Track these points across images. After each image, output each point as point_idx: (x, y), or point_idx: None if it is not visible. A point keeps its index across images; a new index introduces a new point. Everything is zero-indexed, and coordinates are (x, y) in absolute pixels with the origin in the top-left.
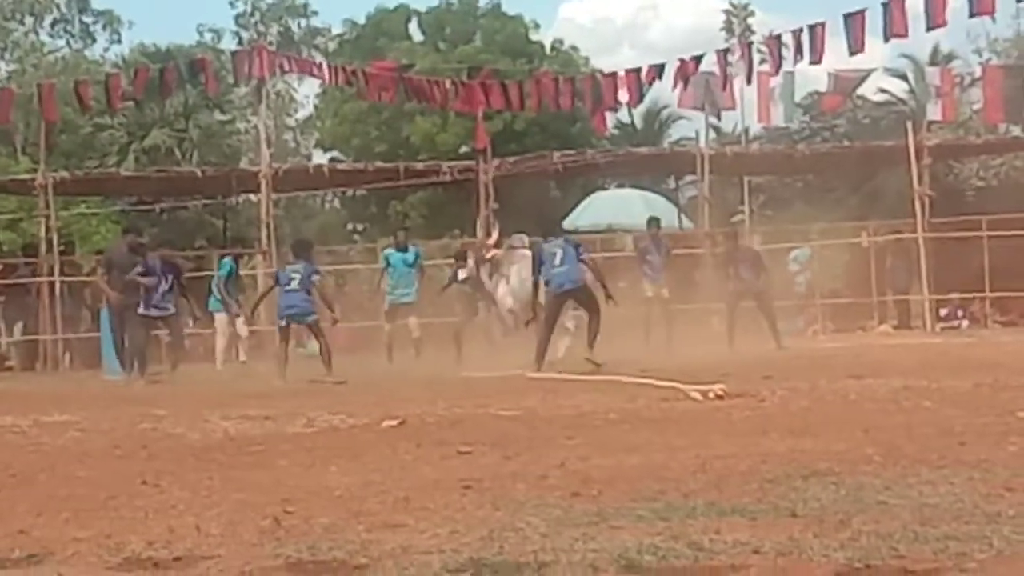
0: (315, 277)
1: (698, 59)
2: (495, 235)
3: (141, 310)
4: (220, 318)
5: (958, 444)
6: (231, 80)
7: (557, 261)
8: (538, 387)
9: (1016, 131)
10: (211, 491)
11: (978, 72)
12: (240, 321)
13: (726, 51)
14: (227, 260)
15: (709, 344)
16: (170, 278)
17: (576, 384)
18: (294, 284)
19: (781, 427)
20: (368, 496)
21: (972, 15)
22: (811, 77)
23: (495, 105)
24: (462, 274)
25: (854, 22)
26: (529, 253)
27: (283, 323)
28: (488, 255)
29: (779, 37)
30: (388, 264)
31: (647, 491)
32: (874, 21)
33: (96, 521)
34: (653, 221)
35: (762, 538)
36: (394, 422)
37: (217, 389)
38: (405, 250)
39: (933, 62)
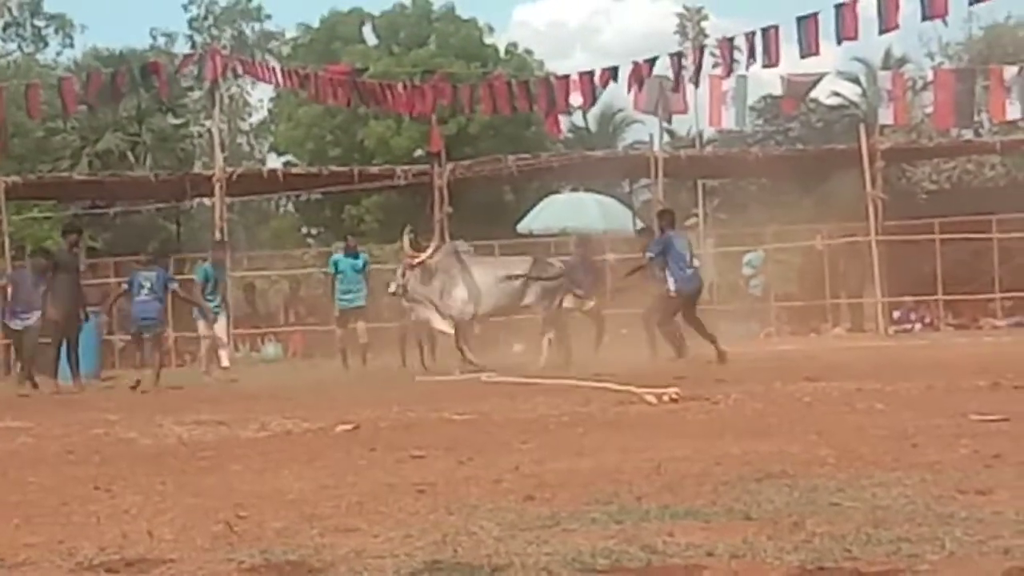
0: (172, 285)
1: (652, 62)
2: (431, 249)
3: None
4: (201, 325)
5: (911, 446)
6: (184, 84)
7: (688, 258)
8: (493, 391)
9: (968, 135)
10: (164, 496)
11: (930, 76)
12: (218, 326)
13: (679, 54)
14: (205, 266)
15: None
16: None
17: (530, 388)
18: (145, 292)
19: (735, 430)
20: (321, 500)
21: (925, 19)
22: (764, 81)
23: (449, 108)
24: (391, 287)
25: (807, 25)
26: (480, 259)
27: (135, 331)
28: (415, 262)
29: (732, 40)
30: (337, 270)
31: (601, 494)
32: (826, 24)
33: (48, 527)
34: (646, 231)
35: (716, 541)
36: (348, 426)
37: (170, 394)
38: (355, 256)
39: (885, 66)
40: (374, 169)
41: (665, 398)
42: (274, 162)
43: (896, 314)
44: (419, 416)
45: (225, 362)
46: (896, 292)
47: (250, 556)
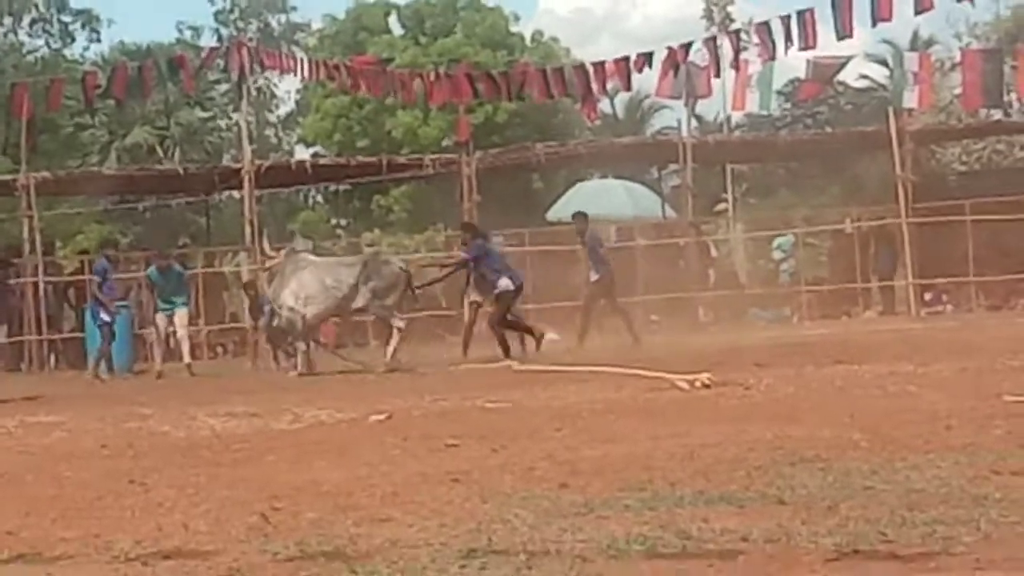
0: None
1: (686, 47)
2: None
3: None
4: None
5: (944, 428)
6: (212, 77)
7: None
8: (525, 379)
9: (997, 115)
10: (198, 489)
11: (958, 57)
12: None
13: (714, 39)
14: (151, 270)
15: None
16: None
17: (562, 376)
18: None
19: (768, 414)
20: (356, 491)
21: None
22: (791, 64)
23: (486, 95)
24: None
25: (842, 7)
26: (314, 261)
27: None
28: (268, 265)
29: (767, 24)
30: None
31: (634, 481)
32: (859, 5)
33: (84, 521)
34: (580, 216)
35: (750, 526)
36: (381, 416)
37: (203, 386)
38: None
39: (913, 47)
40: (402, 159)
41: (697, 384)
42: (302, 154)
43: (928, 296)
44: (452, 405)
45: (159, 365)
46: (927, 274)
47: (285, 547)
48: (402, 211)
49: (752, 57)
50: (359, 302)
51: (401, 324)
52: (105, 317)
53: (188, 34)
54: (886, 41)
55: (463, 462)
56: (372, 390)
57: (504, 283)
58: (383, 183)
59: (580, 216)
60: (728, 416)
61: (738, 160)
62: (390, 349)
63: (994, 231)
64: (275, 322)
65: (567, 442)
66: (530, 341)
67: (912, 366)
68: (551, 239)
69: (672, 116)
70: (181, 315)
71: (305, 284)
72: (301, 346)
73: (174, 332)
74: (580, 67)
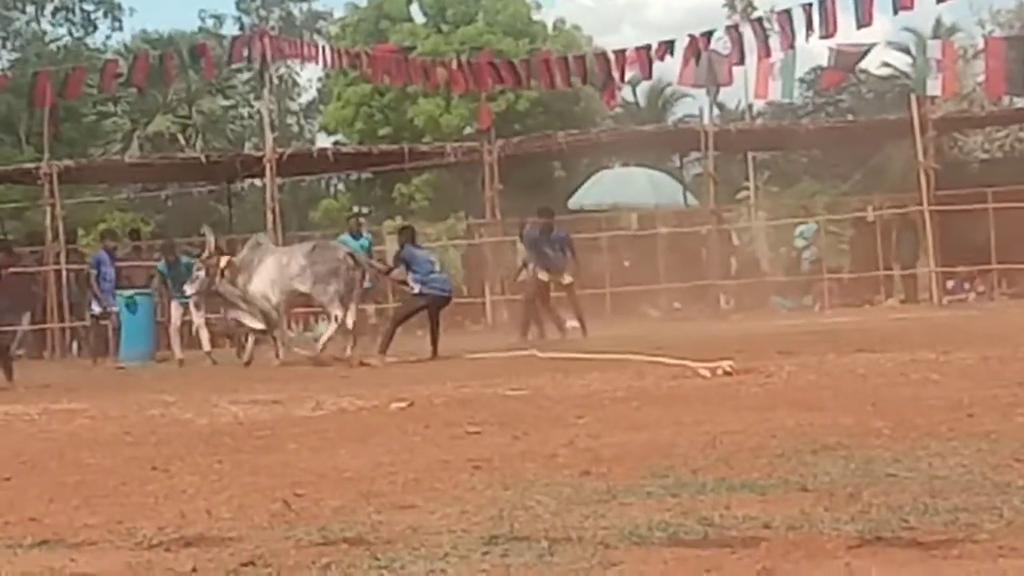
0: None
1: (708, 35)
2: (208, 248)
3: None
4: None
5: (966, 416)
6: (232, 65)
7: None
8: (547, 366)
9: (1020, 103)
10: (221, 475)
11: (981, 44)
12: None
13: (736, 27)
14: (159, 265)
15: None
16: None
17: (583, 363)
18: None
19: (790, 402)
20: (378, 477)
21: None
22: (813, 52)
23: (507, 82)
24: (189, 289)
25: None
26: (274, 249)
27: None
28: (223, 265)
29: (789, 12)
30: None
31: (656, 468)
32: None
33: (107, 507)
34: (544, 211)
35: (773, 513)
36: (402, 404)
37: (225, 373)
38: (358, 236)
39: (935, 35)
40: (424, 147)
41: (719, 371)
42: (324, 142)
43: (950, 284)
44: (473, 392)
45: (179, 354)
46: (949, 262)
47: (308, 534)
48: (424, 199)
49: (774, 45)
50: (303, 287)
51: (338, 313)
52: (95, 308)
53: (210, 23)
54: (908, 29)
55: (485, 449)
56: (394, 378)
57: (419, 288)
58: (405, 171)
59: (546, 210)
60: (750, 404)
61: (760, 148)
62: (324, 338)
63: (1016, 219)
64: (227, 316)
65: (589, 429)
66: (552, 329)
67: (934, 354)
68: (573, 227)
69: (694, 104)
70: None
71: (269, 269)
72: (279, 334)
73: (191, 321)
74: (601, 55)
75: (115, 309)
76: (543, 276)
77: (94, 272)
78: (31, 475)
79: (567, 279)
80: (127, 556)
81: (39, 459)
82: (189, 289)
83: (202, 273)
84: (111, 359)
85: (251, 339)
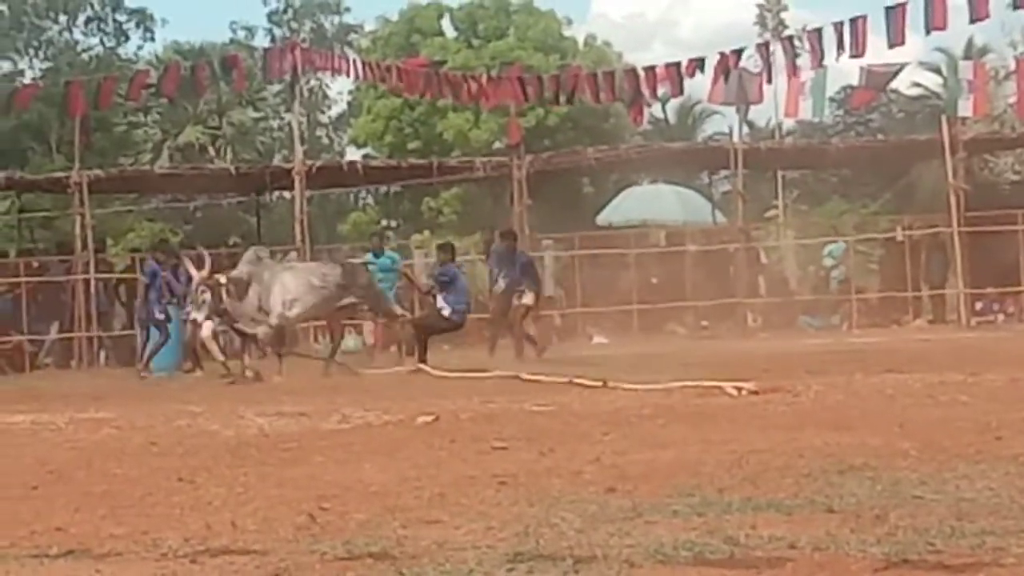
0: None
1: (738, 53)
2: (206, 267)
3: None
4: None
5: (995, 439)
6: (268, 80)
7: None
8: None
9: None
10: (247, 487)
11: (1012, 65)
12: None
13: (766, 45)
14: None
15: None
16: None
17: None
18: None
19: (817, 422)
20: (403, 492)
21: (1016, 7)
22: (844, 71)
23: (532, 99)
24: (199, 315)
25: (895, 15)
26: (287, 265)
27: None
28: (223, 280)
29: (820, 31)
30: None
31: (682, 486)
32: (914, 14)
33: (133, 517)
34: (507, 235)
35: (798, 533)
36: (428, 418)
37: (253, 385)
38: (380, 254)
39: (967, 56)
40: (453, 161)
41: (745, 391)
42: (353, 155)
43: (979, 305)
44: (499, 407)
45: (219, 356)
46: (978, 283)
47: (333, 547)
48: (452, 213)
49: (804, 64)
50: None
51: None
52: (159, 316)
53: (242, 34)
54: (940, 49)
55: (510, 465)
56: (420, 392)
57: (449, 312)
58: (433, 185)
59: (509, 233)
60: (777, 423)
61: (789, 167)
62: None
63: None
64: (254, 329)
65: (615, 446)
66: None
67: (963, 376)
68: (601, 243)
69: (723, 122)
70: None
71: (288, 287)
72: (286, 351)
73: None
74: (631, 71)
75: (161, 317)
76: (528, 300)
77: (146, 282)
78: (57, 484)
79: (528, 299)
80: (152, 567)
81: (65, 469)
82: (198, 315)
83: (208, 295)
84: (138, 366)
85: (247, 355)
